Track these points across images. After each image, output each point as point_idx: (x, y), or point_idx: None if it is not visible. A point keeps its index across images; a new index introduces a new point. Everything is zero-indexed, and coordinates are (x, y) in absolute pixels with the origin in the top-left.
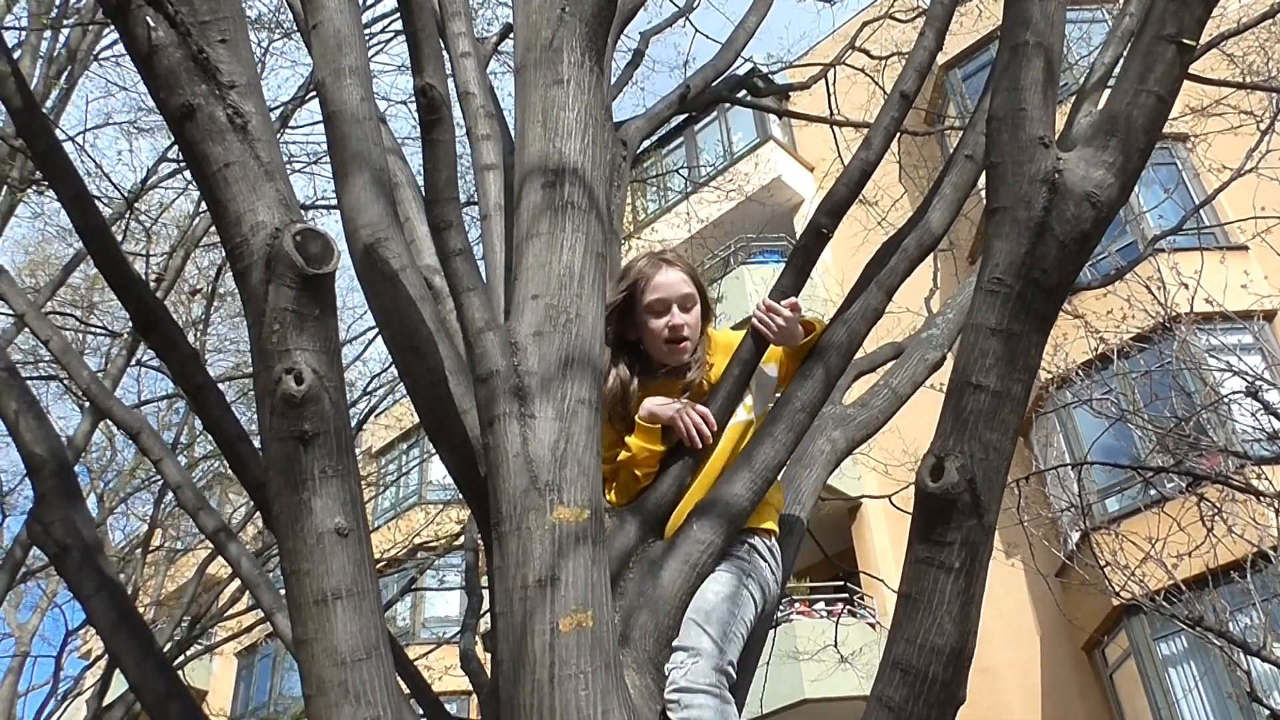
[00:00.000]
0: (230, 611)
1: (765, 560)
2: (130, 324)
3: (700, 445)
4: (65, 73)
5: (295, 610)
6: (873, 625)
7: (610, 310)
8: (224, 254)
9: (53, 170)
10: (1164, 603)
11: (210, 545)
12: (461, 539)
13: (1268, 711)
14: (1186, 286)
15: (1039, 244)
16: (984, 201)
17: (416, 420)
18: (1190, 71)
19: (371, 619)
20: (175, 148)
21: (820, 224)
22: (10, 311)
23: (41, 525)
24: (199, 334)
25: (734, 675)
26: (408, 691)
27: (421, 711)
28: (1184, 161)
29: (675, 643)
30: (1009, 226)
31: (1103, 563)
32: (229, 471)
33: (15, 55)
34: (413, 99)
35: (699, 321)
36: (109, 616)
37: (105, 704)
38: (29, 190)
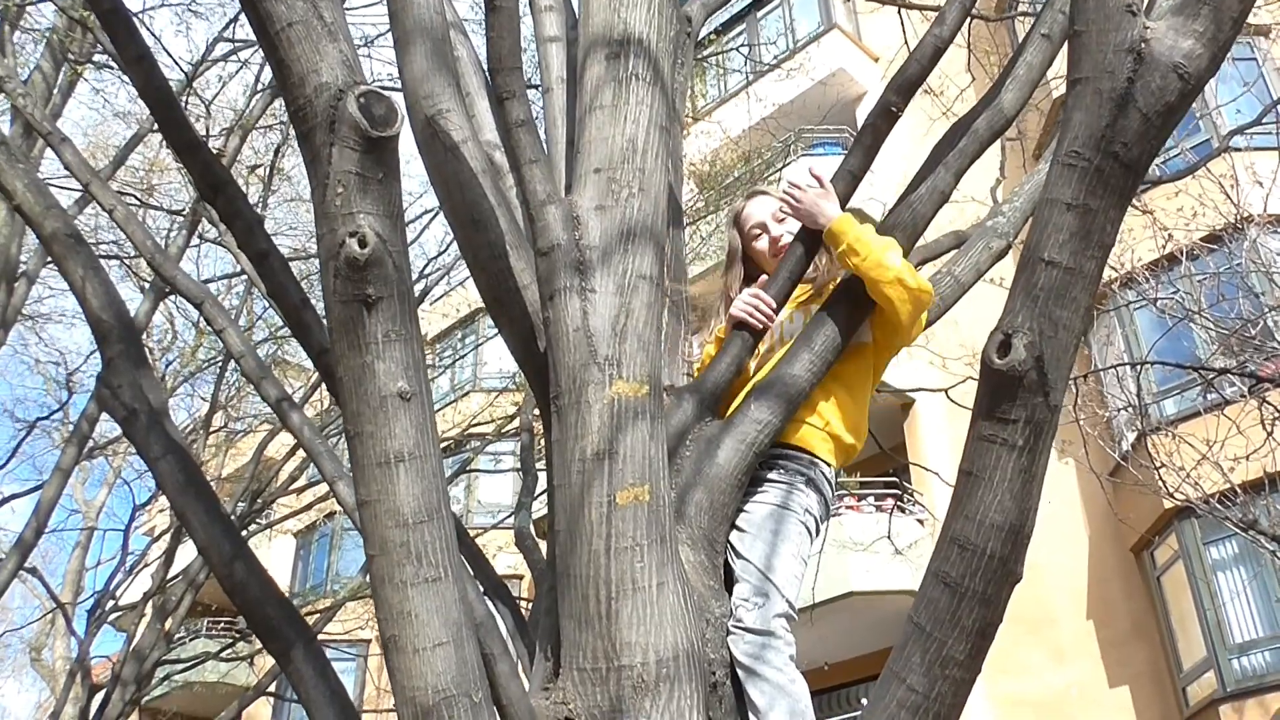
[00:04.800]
0: (291, 488)
1: (823, 492)
2: (189, 203)
3: (760, 325)
4: None
5: (358, 472)
6: (921, 521)
7: (731, 256)
8: (281, 136)
9: (117, 31)
10: (1218, 505)
11: (268, 426)
12: (516, 421)
13: None
14: (1261, 185)
15: (1121, 116)
16: (1053, 94)
17: (472, 308)
18: None
19: (433, 482)
20: (230, 28)
21: (890, 101)
22: (74, 187)
23: (109, 389)
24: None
25: (795, 616)
26: (471, 571)
27: (484, 589)
28: (1265, 55)
29: (742, 581)
30: (1090, 98)
31: (1157, 464)
32: (287, 356)
33: None
34: None
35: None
36: (176, 478)
37: (168, 576)
38: (88, 65)
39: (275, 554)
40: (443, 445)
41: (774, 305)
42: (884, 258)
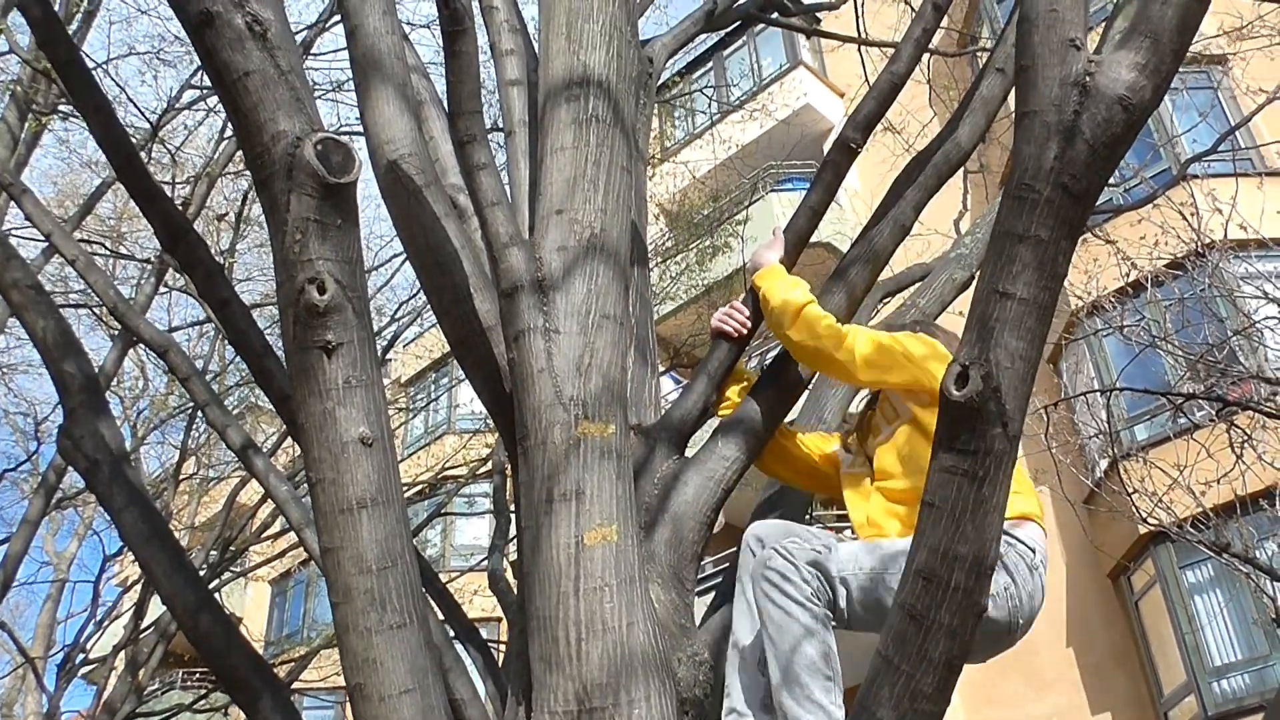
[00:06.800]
0: (264, 535)
1: (1012, 572)
2: (157, 252)
3: (734, 333)
4: None
5: (321, 519)
6: None
7: None
8: (249, 182)
9: (74, 81)
10: (1191, 530)
11: (241, 474)
12: (490, 463)
13: None
14: (1221, 212)
15: (1069, 148)
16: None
17: (445, 350)
18: None
19: (397, 528)
20: (198, 75)
21: (849, 138)
22: (37, 237)
23: (71, 440)
24: (226, 260)
25: (830, 597)
26: (442, 615)
27: (454, 633)
28: (1220, 84)
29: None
30: (1038, 131)
31: (1130, 490)
32: (260, 401)
33: None
34: (430, 24)
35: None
36: (140, 529)
37: (140, 627)
38: (54, 116)
39: (251, 602)
40: (417, 488)
41: (746, 314)
42: (780, 317)
